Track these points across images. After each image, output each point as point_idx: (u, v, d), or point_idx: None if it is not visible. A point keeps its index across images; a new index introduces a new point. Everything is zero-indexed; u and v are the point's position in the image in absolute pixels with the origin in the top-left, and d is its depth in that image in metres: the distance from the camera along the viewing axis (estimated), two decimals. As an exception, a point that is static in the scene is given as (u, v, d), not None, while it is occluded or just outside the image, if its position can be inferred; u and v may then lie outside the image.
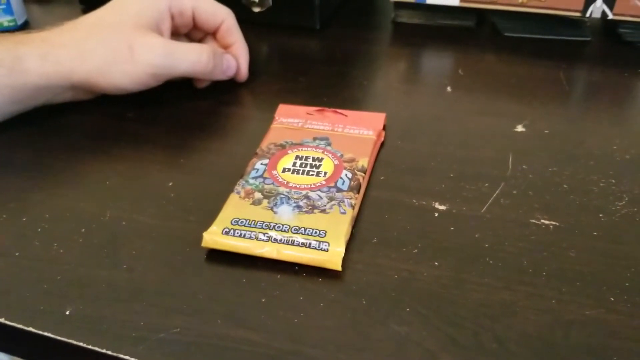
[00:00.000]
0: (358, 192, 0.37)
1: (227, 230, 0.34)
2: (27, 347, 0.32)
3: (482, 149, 0.43)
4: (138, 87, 0.45)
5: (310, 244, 0.33)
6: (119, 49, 0.43)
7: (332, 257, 0.33)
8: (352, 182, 0.38)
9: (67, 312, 0.31)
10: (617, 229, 0.36)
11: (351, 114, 0.45)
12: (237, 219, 0.35)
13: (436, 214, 0.37)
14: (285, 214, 0.35)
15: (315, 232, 0.34)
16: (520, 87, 0.51)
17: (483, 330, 0.30)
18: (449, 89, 0.51)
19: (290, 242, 0.33)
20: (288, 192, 0.37)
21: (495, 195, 0.39)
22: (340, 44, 0.60)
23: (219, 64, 0.48)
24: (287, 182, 0.37)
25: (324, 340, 0.29)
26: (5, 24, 0.63)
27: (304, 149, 0.41)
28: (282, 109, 0.46)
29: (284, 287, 0.32)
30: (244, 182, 0.38)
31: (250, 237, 0.34)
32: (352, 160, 0.40)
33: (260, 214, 0.35)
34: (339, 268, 0.33)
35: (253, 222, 0.34)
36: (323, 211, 0.35)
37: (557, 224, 0.36)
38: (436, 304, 0.31)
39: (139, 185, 0.40)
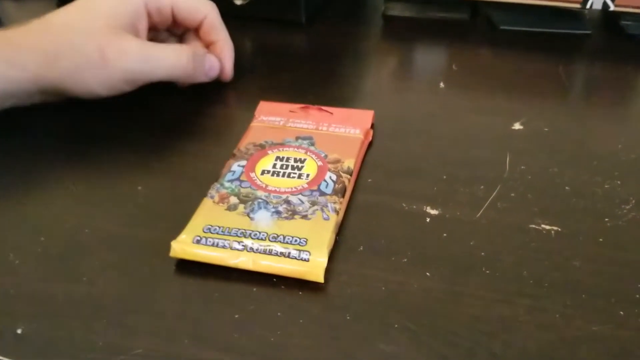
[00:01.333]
0: (343, 196, 0.34)
1: (199, 238, 0.31)
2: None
3: (477, 149, 0.40)
4: (112, 93, 0.42)
5: (289, 253, 0.30)
6: (90, 53, 0.40)
7: (314, 268, 0.30)
8: (337, 185, 0.35)
9: (19, 331, 0.28)
10: (625, 234, 0.33)
11: (337, 111, 0.42)
12: (210, 226, 0.32)
13: (428, 220, 0.34)
14: (263, 220, 0.32)
15: (296, 241, 0.31)
16: (517, 83, 0.49)
17: (479, 347, 0.27)
18: (442, 85, 0.49)
19: (267, 252, 0.30)
20: (267, 197, 0.34)
21: (491, 198, 0.36)
22: (327, 39, 0.57)
23: (199, 65, 0.45)
24: (266, 186, 0.34)
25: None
26: (-24, 19, 0.60)
27: (285, 149, 0.38)
28: (263, 106, 0.43)
29: (260, 301, 0.29)
30: (218, 185, 0.35)
31: (223, 247, 0.31)
32: (337, 162, 0.37)
33: (235, 220, 0.32)
34: (321, 280, 0.30)
35: (227, 229, 0.31)
36: (304, 217, 0.32)
37: (559, 229, 0.33)
38: (428, 319, 0.28)
39: (105, 189, 0.37)
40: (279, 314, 0.29)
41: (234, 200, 0.33)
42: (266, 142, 0.38)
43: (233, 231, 0.31)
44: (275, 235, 0.31)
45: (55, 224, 0.34)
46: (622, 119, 0.44)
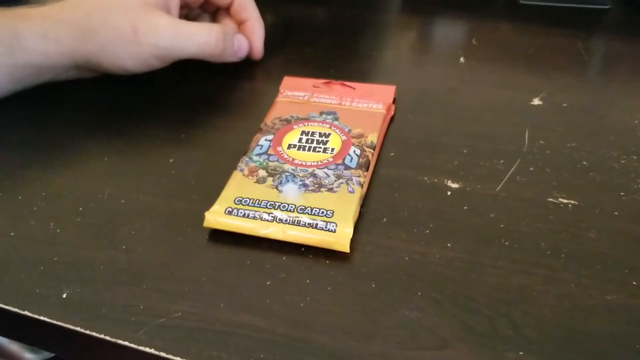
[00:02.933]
0: (367, 170, 0.36)
1: (230, 209, 0.32)
2: (23, 331, 0.31)
3: (497, 124, 0.41)
4: (143, 69, 0.43)
5: (316, 224, 0.32)
6: (123, 29, 0.41)
7: (340, 238, 0.31)
8: (361, 159, 0.36)
9: (64, 296, 0.30)
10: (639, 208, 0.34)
11: (359, 86, 0.43)
12: (241, 198, 0.33)
13: (449, 193, 0.35)
14: (291, 192, 0.33)
15: (322, 212, 0.32)
16: (536, 58, 0.49)
17: (499, 316, 0.28)
18: (462, 59, 0.49)
19: (296, 223, 0.32)
20: (294, 170, 0.35)
21: (511, 172, 0.37)
22: (348, 12, 0.58)
23: (229, 45, 0.45)
24: (293, 159, 0.36)
25: (331, 326, 0.28)
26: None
27: (310, 124, 0.39)
28: (288, 81, 0.44)
29: (290, 269, 0.31)
30: (247, 159, 0.36)
31: (254, 217, 0.32)
32: (360, 136, 0.38)
33: (264, 192, 0.33)
34: (347, 250, 0.31)
35: (257, 201, 0.33)
36: (330, 190, 0.34)
37: (576, 203, 0.35)
38: (449, 288, 0.30)
39: (139, 162, 0.38)
40: (307, 281, 0.30)
41: (262, 173, 0.35)
42: (291, 116, 0.40)
43: (262, 203, 0.33)
44: (303, 207, 0.32)
45: (92, 195, 0.36)
46: (640, 95, 0.45)
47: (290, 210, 0.32)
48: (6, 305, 0.30)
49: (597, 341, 0.27)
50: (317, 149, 0.37)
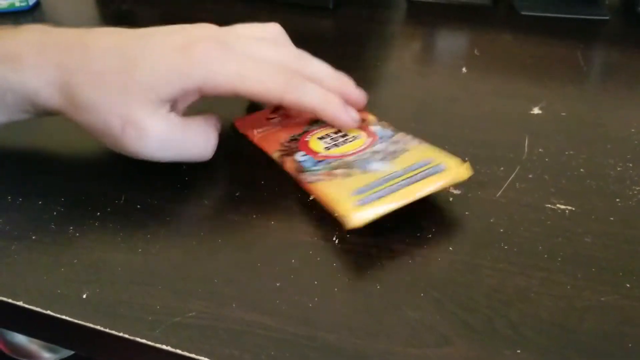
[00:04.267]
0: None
1: (361, 201, 0.32)
2: (45, 330, 0.32)
3: (497, 132, 0.43)
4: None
5: (431, 172, 0.33)
6: (112, 125, 0.36)
7: (456, 168, 0.34)
8: (388, 129, 0.38)
9: (84, 296, 0.31)
10: (634, 214, 0.36)
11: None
12: (357, 189, 0.33)
13: (451, 199, 0.37)
14: (382, 166, 0.34)
15: (424, 163, 0.34)
16: (537, 68, 0.51)
17: (497, 315, 0.30)
18: (464, 69, 0.51)
19: (416, 181, 0.33)
20: (357, 157, 0.35)
21: (510, 179, 0.38)
22: (353, 23, 0.59)
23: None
24: (344, 153, 0.36)
25: (338, 324, 0.30)
26: (17, 4, 0.63)
27: (316, 131, 0.40)
28: (243, 123, 0.43)
29: (298, 271, 0.32)
30: (308, 173, 0.36)
31: (385, 194, 0.32)
32: (364, 120, 0.39)
33: (365, 178, 0.33)
34: (468, 175, 0.34)
35: (370, 184, 0.33)
36: (405, 150, 0.35)
37: (573, 208, 0.36)
38: (450, 288, 0.31)
39: (153, 169, 0.40)
40: (315, 282, 0.32)
41: (339, 171, 0.34)
42: (292, 136, 0.40)
43: (374, 183, 0.33)
44: (406, 168, 0.34)
45: (109, 200, 0.37)
46: (637, 104, 0.46)
47: (401, 176, 0.33)
48: (30, 305, 0.31)
49: (591, 340, 0.29)
50: (349, 140, 0.37)
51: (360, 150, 0.36)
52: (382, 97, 0.48)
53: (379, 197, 0.32)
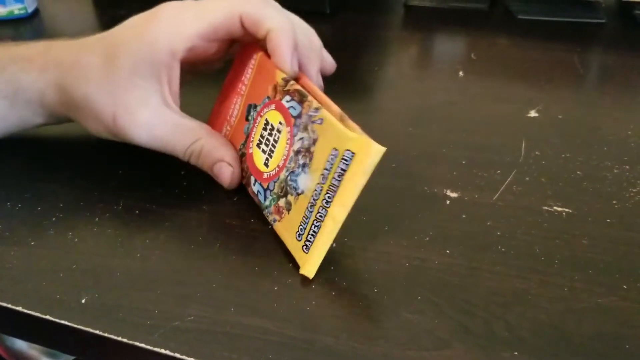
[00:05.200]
0: (307, 97, 0.34)
1: (305, 246, 0.32)
2: (45, 335, 0.32)
3: (494, 135, 0.43)
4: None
5: (343, 168, 0.31)
6: (103, 114, 0.37)
7: (366, 151, 0.30)
8: (296, 98, 0.34)
9: (83, 301, 0.31)
10: (631, 216, 0.36)
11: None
12: (297, 231, 0.33)
13: (448, 202, 0.37)
14: (306, 183, 0.32)
15: (333, 158, 0.31)
16: (533, 72, 0.51)
17: (495, 318, 0.30)
18: (461, 73, 0.51)
19: (333, 195, 0.31)
20: (287, 170, 0.34)
21: (507, 182, 0.38)
22: (351, 28, 0.60)
23: (207, 162, 0.38)
24: (278, 166, 0.34)
25: (336, 328, 0.30)
26: (16, 11, 0.64)
27: (253, 134, 0.37)
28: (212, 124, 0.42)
29: (296, 275, 0.32)
30: (266, 211, 0.35)
31: (317, 232, 0.32)
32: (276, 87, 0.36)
33: (298, 210, 0.33)
34: (380, 150, 0.30)
35: (303, 220, 0.32)
36: (315, 141, 0.32)
37: (570, 211, 0.36)
38: (448, 292, 0.31)
39: (151, 174, 0.40)
40: (313, 286, 0.32)
41: (282, 203, 0.34)
42: (240, 149, 0.38)
43: (306, 217, 0.32)
44: (320, 178, 0.31)
45: (108, 206, 0.38)
46: (633, 107, 0.46)
47: (319, 196, 0.31)
48: (29, 310, 0.31)
49: (589, 342, 0.29)
50: (277, 138, 0.35)
51: (286, 156, 0.34)
52: (380, 102, 0.49)
53: (314, 236, 0.32)
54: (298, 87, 0.35)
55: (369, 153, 0.30)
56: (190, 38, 0.37)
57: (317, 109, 0.33)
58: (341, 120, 0.32)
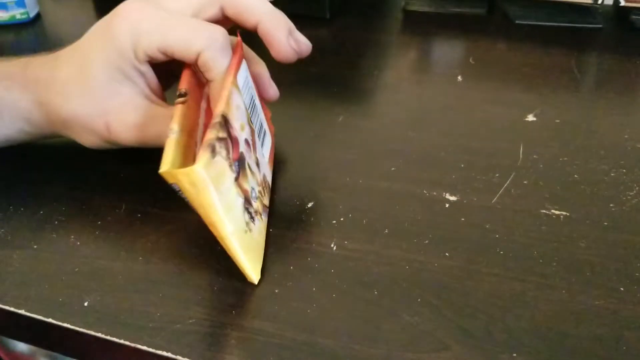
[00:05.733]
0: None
1: None
2: (47, 338, 0.32)
3: (493, 139, 0.43)
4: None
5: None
6: (96, 127, 0.37)
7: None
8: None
9: (86, 304, 0.32)
10: (628, 219, 0.36)
11: None
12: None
13: (447, 205, 0.37)
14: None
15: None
16: (531, 76, 0.51)
17: (493, 320, 0.30)
18: (459, 78, 0.51)
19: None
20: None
21: (505, 185, 0.39)
22: (350, 33, 0.60)
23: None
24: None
25: (336, 330, 0.30)
26: (18, 16, 0.64)
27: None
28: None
29: (297, 278, 0.33)
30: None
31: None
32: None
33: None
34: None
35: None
36: None
37: (568, 214, 0.36)
38: (447, 294, 0.32)
39: (152, 178, 0.40)
40: (313, 289, 0.32)
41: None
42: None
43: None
44: None
45: (109, 209, 0.38)
46: (630, 111, 0.47)
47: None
48: (31, 313, 0.31)
49: (587, 344, 0.29)
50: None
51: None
52: (379, 106, 0.49)
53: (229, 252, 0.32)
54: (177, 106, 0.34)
55: (185, 180, 0.29)
56: (156, 36, 0.35)
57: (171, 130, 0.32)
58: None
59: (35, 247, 0.35)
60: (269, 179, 0.38)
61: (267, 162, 0.38)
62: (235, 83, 0.34)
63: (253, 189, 0.34)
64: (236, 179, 0.32)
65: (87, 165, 0.42)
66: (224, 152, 0.31)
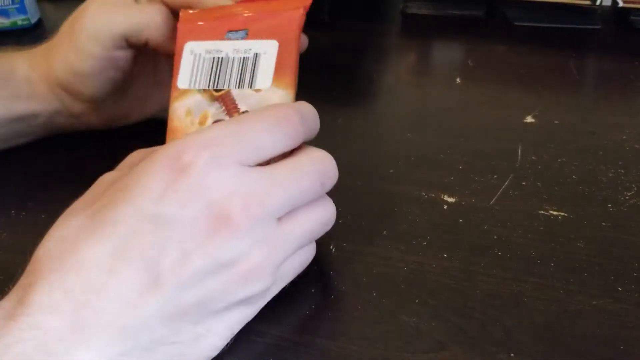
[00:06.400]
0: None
1: None
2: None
3: (491, 141, 0.43)
4: (90, 62, 0.40)
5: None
6: (65, 27, 0.41)
7: None
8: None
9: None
10: (626, 219, 0.36)
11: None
12: None
13: (445, 207, 0.38)
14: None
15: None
16: (530, 77, 0.52)
17: (491, 320, 0.30)
18: (458, 80, 0.52)
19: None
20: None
21: (504, 186, 0.39)
22: (349, 36, 0.60)
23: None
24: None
25: (335, 331, 0.30)
26: (19, 22, 0.65)
27: None
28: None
29: (295, 279, 0.33)
30: None
31: None
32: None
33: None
34: None
35: None
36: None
37: (566, 215, 0.37)
38: (445, 295, 0.32)
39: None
40: (312, 290, 0.32)
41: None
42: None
43: None
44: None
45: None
46: (628, 111, 0.47)
47: None
48: (32, 316, 0.32)
49: (584, 344, 0.29)
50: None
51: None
52: (378, 108, 0.49)
53: None
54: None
55: None
56: (117, 27, 0.38)
57: None
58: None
59: (36, 250, 0.36)
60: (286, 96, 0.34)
61: (270, 87, 0.34)
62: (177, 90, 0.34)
63: None
64: None
65: (90, 170, 0.42)
66: None
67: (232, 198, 0.26)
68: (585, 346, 0.29)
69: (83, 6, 0.40)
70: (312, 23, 0.61)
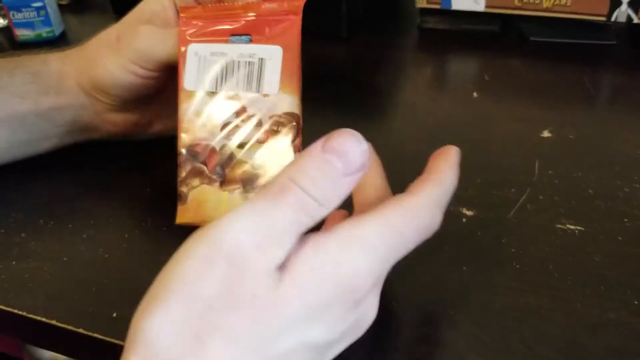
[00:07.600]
0: None
1: None
2: (77, 347, 0.34)
3: (508, 155, 0.44)
4: (129, 78, 0.42)
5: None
6: (108, 38, 0.43)
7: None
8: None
9: (114, 315, 0.33)
10: (642, 233, 0.37)
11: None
12: None
13: (464, 220, 0.38)
14: None
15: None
16: (546, 92, 0.52)
17: (509, 332, 0.31)
18: (475, 94, 0.52)
19: None
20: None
21: (521, 200, 0.40)
22: (367, 51, 0.61)
23: None
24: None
25: (356, 342, 0.31)
26: (44, 34, 0.66)
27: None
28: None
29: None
30: None
31: None
32: None
33: None
34: None
35: None
36: None
37: (583, 228, 0.37)
38: (465, 306, 0.32)
39: (176, 194, 0.42)
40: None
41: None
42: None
43: None
44: None
45: (136, 223, 0.39)
46: (644, 127, 0.47)
47: None
48: (62, 323, 0.33)
49: (601, 355, 0.30)
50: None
51: None
52: (395, 122, 0.50)
53: None
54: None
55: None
56: (165, 53, 0.40)
57: None
58: None
59: (65, 259, 0.37)
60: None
61: (277, 92, 0.36)
62: (184, 93, 0.36)
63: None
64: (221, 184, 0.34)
65: (115, 182, 0.43)
66: (196, 182, 0.32)
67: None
68: (602, 358, 0.29)
69: (130, 23, 0.42)
70: (329, 38, 0.62)
